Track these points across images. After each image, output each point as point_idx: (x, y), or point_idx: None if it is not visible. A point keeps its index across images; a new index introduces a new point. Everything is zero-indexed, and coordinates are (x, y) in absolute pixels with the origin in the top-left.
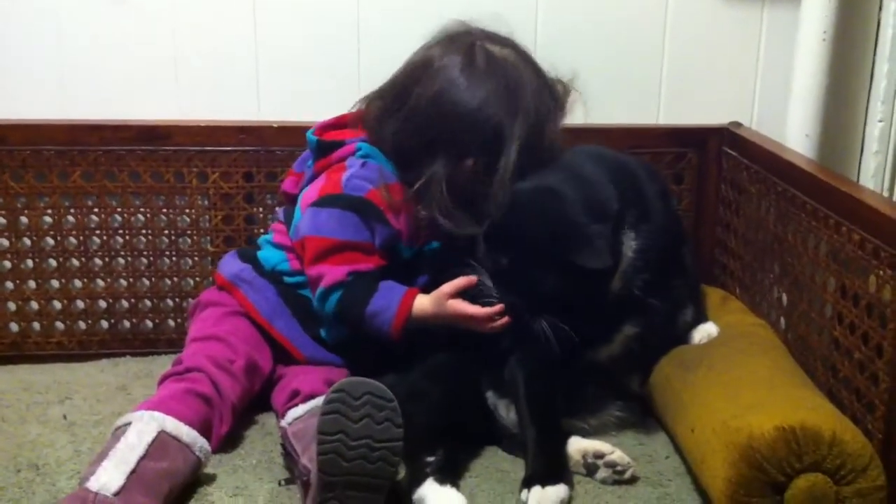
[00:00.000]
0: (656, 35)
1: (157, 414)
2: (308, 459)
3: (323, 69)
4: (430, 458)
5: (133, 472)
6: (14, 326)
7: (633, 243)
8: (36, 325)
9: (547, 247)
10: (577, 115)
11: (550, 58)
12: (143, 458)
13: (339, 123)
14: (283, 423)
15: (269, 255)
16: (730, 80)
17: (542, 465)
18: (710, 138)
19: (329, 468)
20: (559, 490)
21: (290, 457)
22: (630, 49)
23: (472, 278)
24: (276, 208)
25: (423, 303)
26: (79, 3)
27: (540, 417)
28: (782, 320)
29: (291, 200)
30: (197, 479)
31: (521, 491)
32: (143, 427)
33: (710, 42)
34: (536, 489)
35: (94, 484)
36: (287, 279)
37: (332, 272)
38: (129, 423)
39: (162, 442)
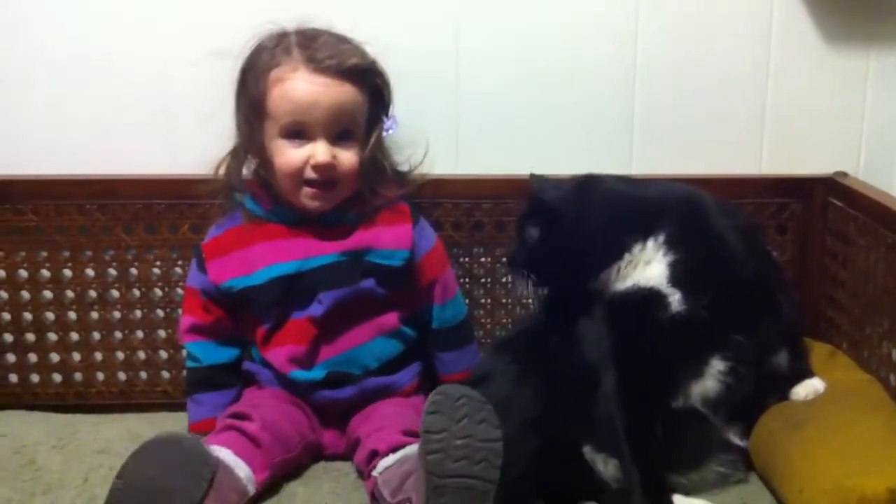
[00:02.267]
0: (759, 83)
1: None
2: (400, 494)
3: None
4: None
5: None
6: (122, 375)
7: (666, 256)
8: (143, 375)
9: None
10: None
11: (650, 107)
12: None
13: None
14: (375, 473)
15: None
16: (835, 129)
17: None
18: (815, 188)
19: (437, 469)
20: None
21: None
22: (731, 98)
23: None
24: None
25: None
26: (185, 60)
27: (644, 463)
28: (892, 377)
29: None
30: None
31: None
32: None
33: (814, 90)
34: None
35: None
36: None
37: (182, 320)
38: None
39: None
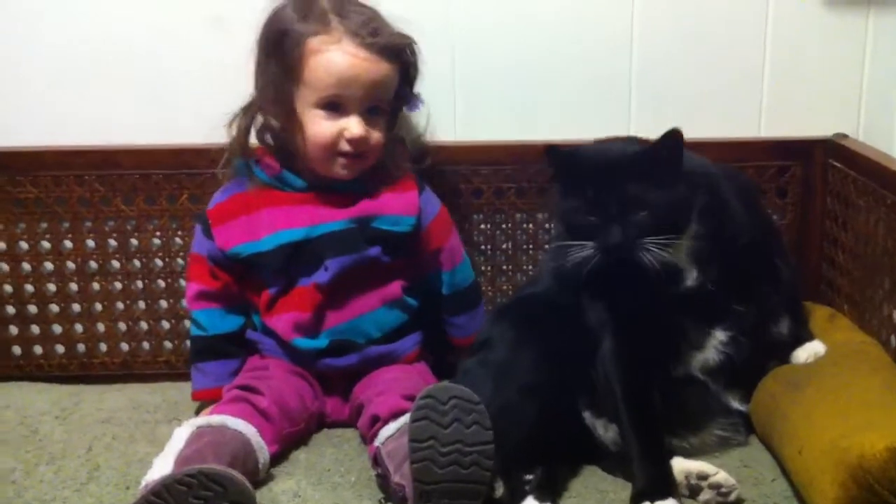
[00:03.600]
0: (757, 45)
1: (192, 420)
2: (400, 476)
3: None
4: (529, 476)
5: (176, 460)
6: (124, 346)
7: (694, 227)
8: (146, 345)
9: None
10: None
11: (648, 71)
12: (183, 448)
13: None
14: (377, 443)
15: None
16: (834, 90)
17: (650, 480)
18: (815, 150)
19: (424, 476)
20: None
21: (382, 477)
22: (730, 60)
23: None
24: None
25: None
26: (177, 32)
27: (643, 428)
28: (893, 338)
29: None
30: (295, 494)
31: None
32: (182, 431)
33: (813, 51)
34: None
35: (143, 483)
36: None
37: (188, 288)
38: None
39: (197, 433)
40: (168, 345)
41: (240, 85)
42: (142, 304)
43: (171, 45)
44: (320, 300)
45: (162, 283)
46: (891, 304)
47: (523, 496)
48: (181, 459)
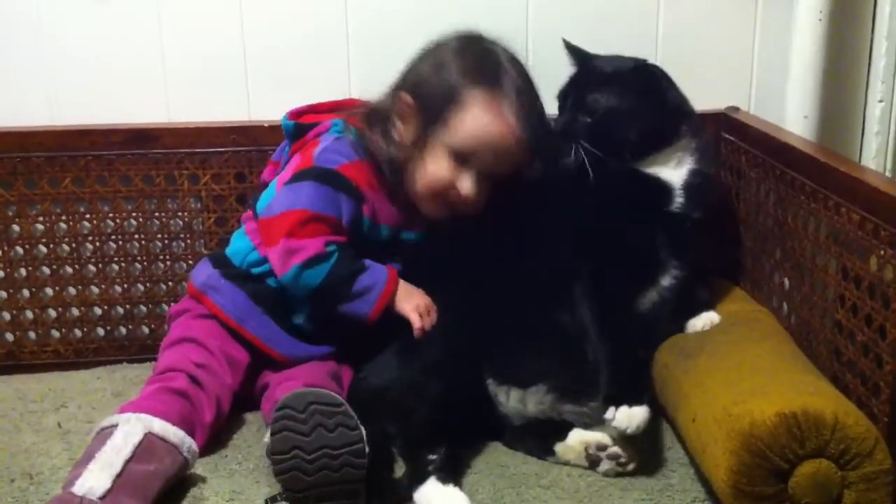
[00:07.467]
0: (649, 21)
1: (143, 416)
2: None
3: (312, 67)
4: (432, 457)
5: (119, 474)
6: (9, 336)
7: (692, 157)
8: (31, 335)
9: None
10: None
11: (544, 44)
12: (129, 461)
13: (314, 109)
14: (265, 439)
15: (238, 248)
16: (726, 64)
17: (625, 383)
18: (708, 124)
19: (293, 485)
20: (644, 412)
21: None
22: (622, 36)
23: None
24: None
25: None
26: (61, 6)
27: (617, 334)
28: (784, 305)
29: None
30: (192, 482)
31: (605, 409)
32: (130, 429)
33: (704, 26)
34: (624, 409)
35: (79, 488)
36: (256, 270)
37: (309, 244)
38: (114, 426)
39: (149, 443)
40: (55, 333)
41: (127, 65)
42: (26, 293)
43: (52, 23)
44: None
45: (47, 270)
46: (781, 273)
47: (426, 477)
48: (122, 480)
